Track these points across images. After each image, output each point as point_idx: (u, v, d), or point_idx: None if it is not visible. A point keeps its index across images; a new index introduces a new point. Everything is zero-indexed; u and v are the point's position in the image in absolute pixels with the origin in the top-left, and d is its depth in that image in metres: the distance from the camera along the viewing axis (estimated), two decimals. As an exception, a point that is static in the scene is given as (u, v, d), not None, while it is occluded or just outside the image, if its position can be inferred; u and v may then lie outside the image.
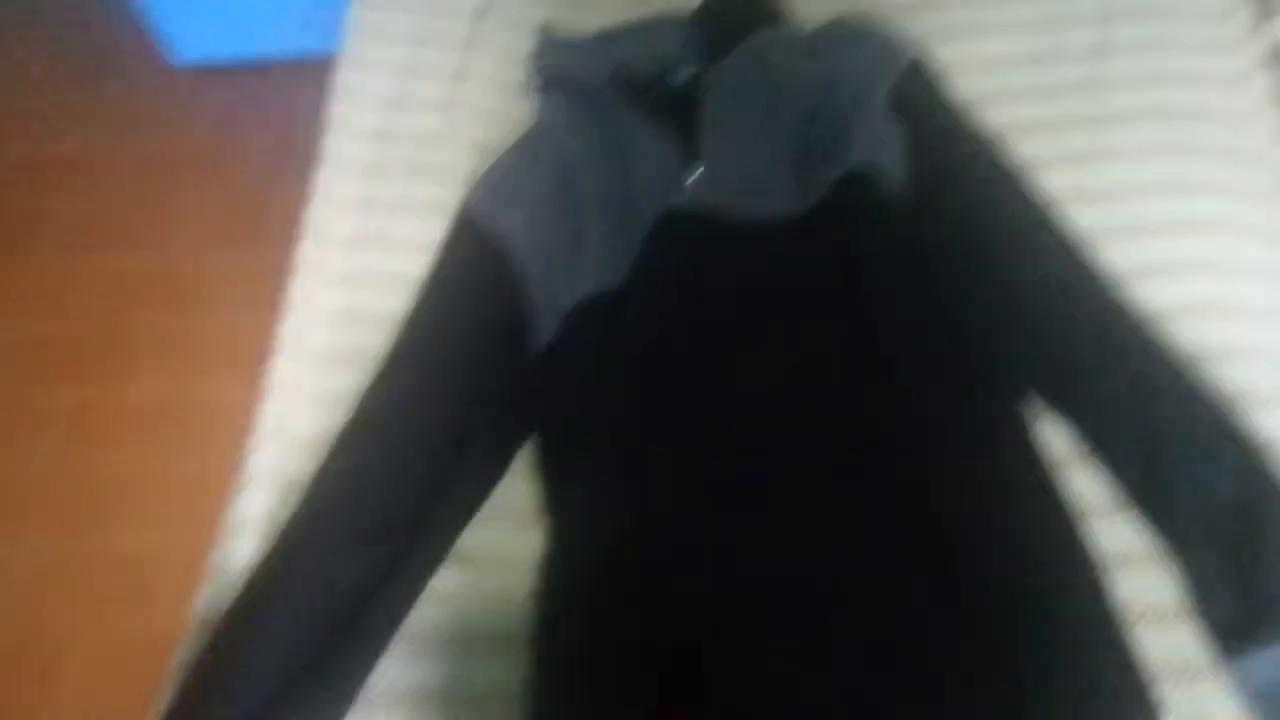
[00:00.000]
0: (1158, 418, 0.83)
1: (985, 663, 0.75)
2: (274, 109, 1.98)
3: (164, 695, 0.81)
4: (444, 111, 1.14)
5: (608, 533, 0.84)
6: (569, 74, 1.00)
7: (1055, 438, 0.89)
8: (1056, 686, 0.74)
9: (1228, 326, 0.93)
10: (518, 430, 0.93)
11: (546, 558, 0.87)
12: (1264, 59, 1.09)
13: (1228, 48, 1.09)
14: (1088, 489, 0.86)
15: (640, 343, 0.90)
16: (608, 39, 1.07)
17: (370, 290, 1.03)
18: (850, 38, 1.03)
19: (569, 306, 0.93)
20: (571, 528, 0.87)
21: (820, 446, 0.83)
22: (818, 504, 0.81)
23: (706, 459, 0.84)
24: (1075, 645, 0.76)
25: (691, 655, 0.78)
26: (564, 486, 0.88)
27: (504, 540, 0.90)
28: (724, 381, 0.87)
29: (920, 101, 0.99)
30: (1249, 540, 0.78)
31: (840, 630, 0.77)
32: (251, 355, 1.08)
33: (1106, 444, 0.86)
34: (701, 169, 0.95)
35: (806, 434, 0.84)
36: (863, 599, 0.78)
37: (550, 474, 0.91)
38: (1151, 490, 0.83)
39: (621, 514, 0.85)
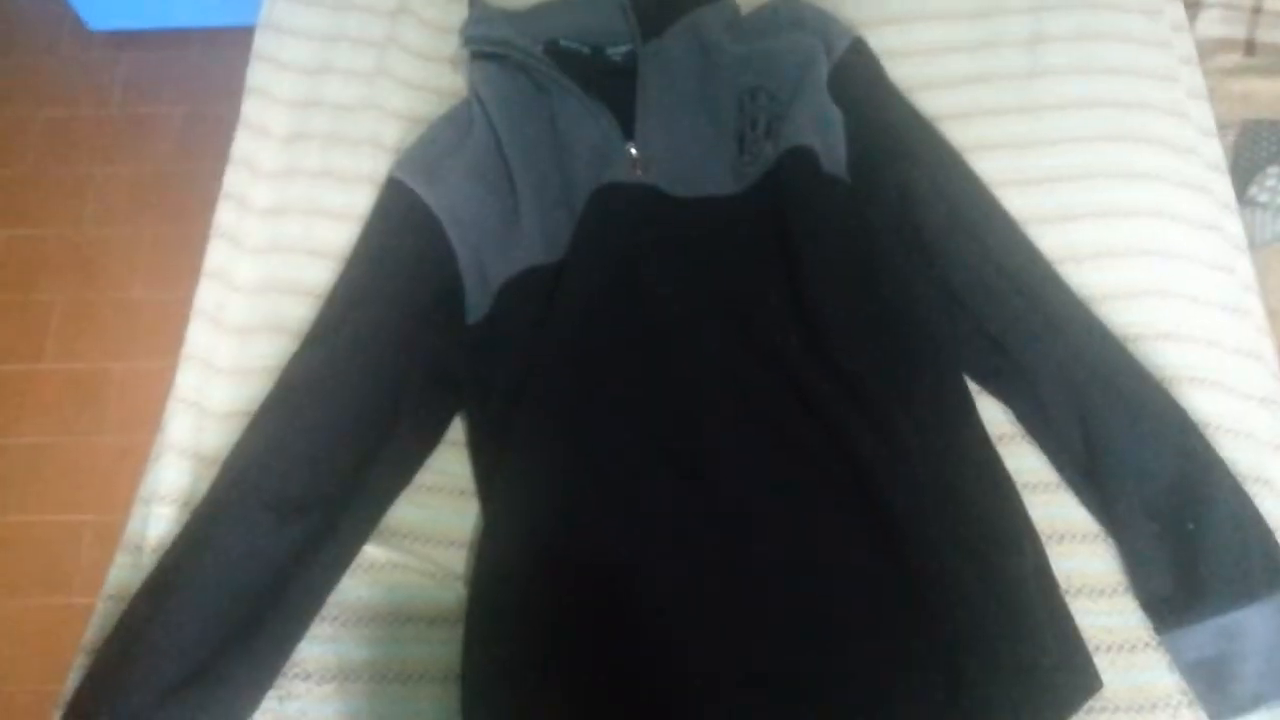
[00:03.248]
0: (1095, 397, 0.84)
1: (928, 635, 0.75)
2: (191, 79, 1.91)
3: (76, 673, 0.78)
4: (368, 81, 1.10)
5: (545, 509, 0.83)
6: (502, 46, 0.97)
7: (997, 413, 0.90)
8: (999, 659, 0.75)
9: (1160, 311, 0.94)
10: (449, 404, 0.91)
11: (483, 535, 0.86)
12: (1188, 57, 1.11)
13: (1159, 43, 1.10)
14: (1029, 464, 0.88)
15: (577, 317, 0.88)
16: (543, 12, 1.05)
17: (290, 260, 0.99)
18: (789, 18, 1.02)
19: (504, 280, 0.91)
20: (508, 505, 0.85)
21: (760, 418, 0.83)
22: (760, 476, 0.81)
23: (645, 433, 0.84)
24: (1017, 617, 0.77)
25: (635, 631, 0.77)
26: (500, 462, 0.86)
27: (437, 515, 0.89)
28: (662, 355, 0.86)
29: (861, 81, 0.99)
30: (1186, 518, 0.80)
31: (784, 603, 0.77)
32: (166, 329, 1.03)
33: (1044, 422, 0.88)
34: (639, 147, 0.94)
35: (746, 406, 0.84)
36: (805, 570, 0.78)
37: (485, 450, 0.89)
38: (1090, 468, 0.85)
39: (559, 489, 0.83)
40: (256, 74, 1.11)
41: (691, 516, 0.80)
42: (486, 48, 0.98)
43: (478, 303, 0.90)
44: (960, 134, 1.00)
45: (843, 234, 0.91)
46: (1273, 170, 1.09)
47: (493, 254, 0.91)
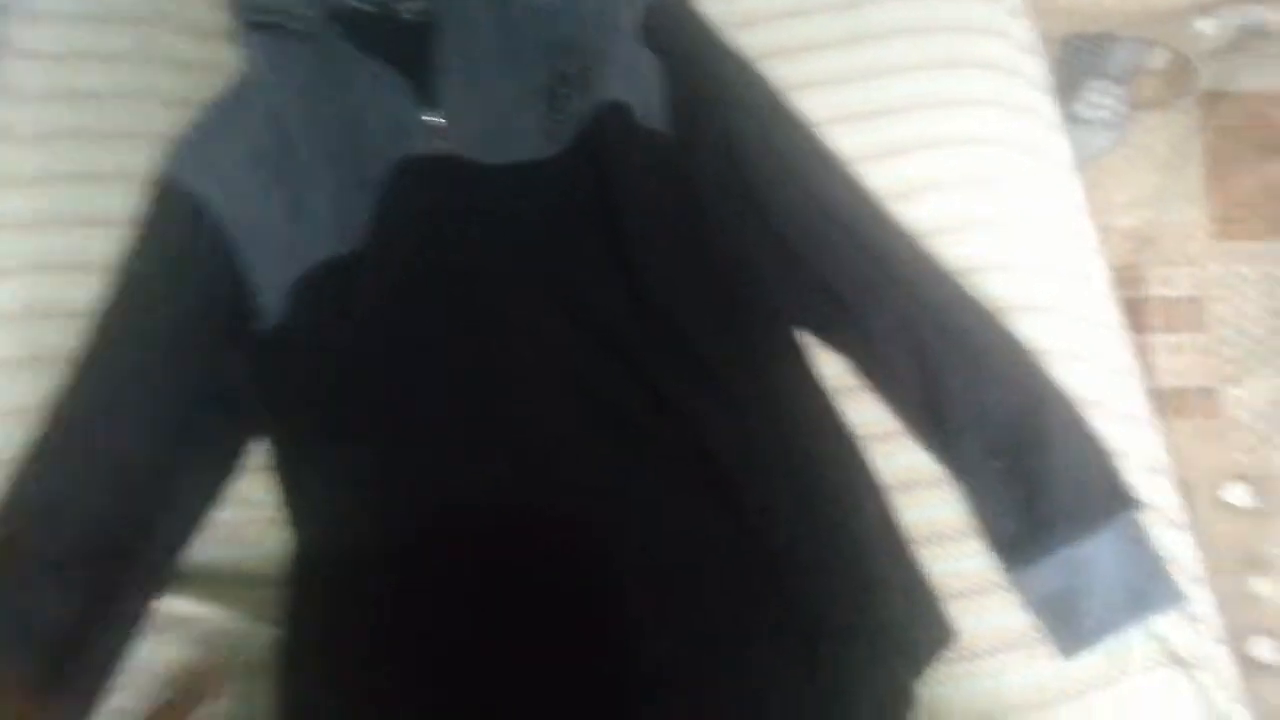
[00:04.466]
0: (933, 340, 0.82)
1: (782, 605, 0.73)
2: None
3: None
4: (132, 64, 0.98)
5: (364, 528, 0.77)
6: (276, 13, 0.87)
7: (835, 366, 0.87)
8: (850, 622, 0.74)
9: (992, 241, 0.93)
10: (245, 425, 0.83)
11: (294, 567, 0.79)
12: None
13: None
14: (870, 415, 0.86)
15: (384, 308, 0.81)
16: (323, -30, 0.95)
17: (54, 279, 0.89)
18: None
19: (297, 277, 0.82)
20: (321, 528, 0.78)
21: (596, 397, 0.79)
22: (602, 459, 0.77)
23: (473, 428, 0.78)
24: (865, 578, 0.76)
25: (475, 649, 0.72)
26: (309, 484, 0.80)
27: (245, 552, 0.82)
28: (483, 341, 0.80)
29: (675, 24, 0.93)
30: (1028, 453, 0.79)
31: (638, 588, 0.74)
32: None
33: (883, 370, 0.86)
34: (440, 113, 0.86)
35: (581, 386, 0.79)
36: (655, 552, 0.75)
37: (292, 471, 0.82)
38: (931, 412, 0.83)
39: (379, 503, 0.77)
40: (-5, 67, 0.98)
41: (532, 513, 0.76)
42: (258, 16, 0.88)
43: (270, 306, 0.82)
44: (782, 72, 0.95)
45: (667, 191, 0.86)
46: (1094, 84, 1.08)
47: (282, 249, 0.83)
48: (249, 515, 0.83)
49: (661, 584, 0.74)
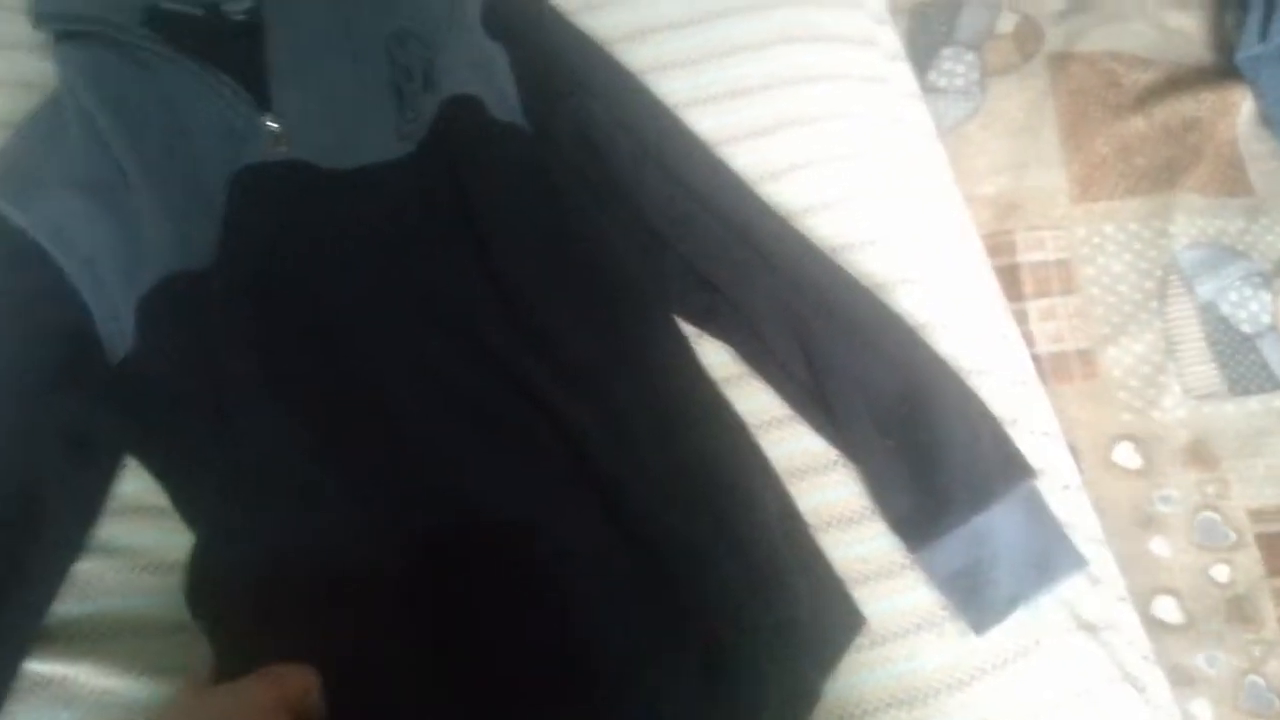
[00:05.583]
0: (813, 321, 0.80)
1: (679, 612, 0.69)
2: None
3: None
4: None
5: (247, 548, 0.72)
6: (84, 21, 0.80)
7: (721, 355, 0.85)
8: (754, 621, 0.70)
9: (861, 216, 0.90)
10: (104, 470, 0.78)
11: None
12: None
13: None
14: (759, 403, 0.83)
15: (240, 329, 0.75)
16: (137, -29, 0.87)
17: None
18: None
19: (141, 296, 0.75)
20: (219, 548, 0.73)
21: (468, 407, 0.74)
22: (482, 473, 0.73)
23: (344, 442, 0.73)
24: (766, 575, 0.73)
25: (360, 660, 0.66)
26: (199, 504, 0.75)
27: (102, 608, 0.74)
28: (345, 357, 0.75)
29: (519, 10, 0.90)
30: (919, 428, 0.78)
31: (523, 610, 0.69)
32: None
33: (766, 356, 0.83)
34: (276, 118, 0.80)
35: (452, 397, 0.74)
36: (540, 567, 0.70)
37: (181, 496, 0.76)
38: (819, 395, 0.81)
39: (279, 524, 0.72)
40: None
41: (411, 527, 0.71)
42: (65, 24, 0.81)
43: (117, 335, 0.75)
44: (633, 55, 0.93)
45: (526, 185, 0.82)
46: (946, 53, 1.08)
47: (120, 274, 0.76)
48: (109, 564, 0.76)
49: (550, 597, 0.70)
